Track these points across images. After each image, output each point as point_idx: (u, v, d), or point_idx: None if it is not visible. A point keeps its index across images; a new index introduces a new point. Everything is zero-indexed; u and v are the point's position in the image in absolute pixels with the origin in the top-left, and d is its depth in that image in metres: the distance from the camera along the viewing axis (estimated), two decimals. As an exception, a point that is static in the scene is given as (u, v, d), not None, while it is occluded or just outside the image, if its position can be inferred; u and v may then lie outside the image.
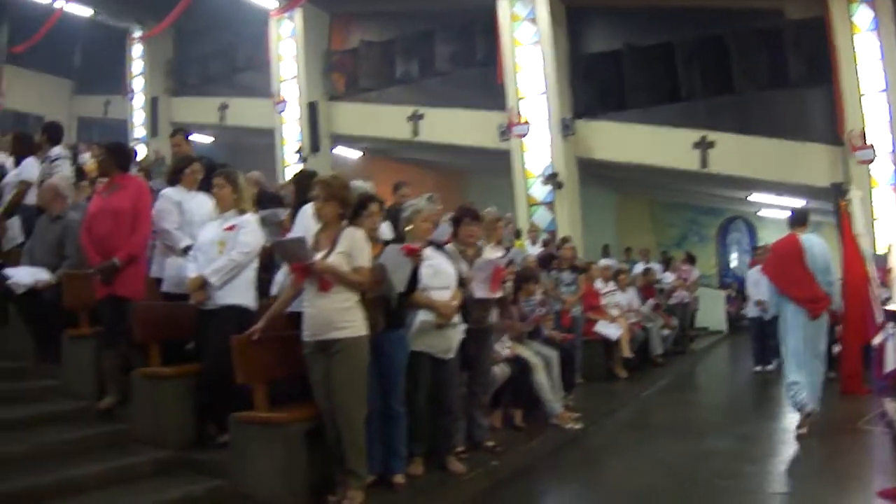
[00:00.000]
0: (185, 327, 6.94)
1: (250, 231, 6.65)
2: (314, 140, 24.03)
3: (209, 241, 6.67)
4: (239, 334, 6.04)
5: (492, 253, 8.09)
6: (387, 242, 6.40)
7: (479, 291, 7.29)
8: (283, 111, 24.81)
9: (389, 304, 6.16)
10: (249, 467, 6.02)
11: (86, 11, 26.49)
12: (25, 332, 8.08)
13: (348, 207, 6.01)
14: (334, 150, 24.89)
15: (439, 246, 6.98)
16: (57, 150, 9.36)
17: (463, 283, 6.95)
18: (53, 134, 9.60)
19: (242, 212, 6.72)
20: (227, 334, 6.11)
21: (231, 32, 26.69)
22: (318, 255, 5.77)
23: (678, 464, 7.83)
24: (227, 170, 7.12)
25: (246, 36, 26.43)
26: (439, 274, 6.68)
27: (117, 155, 7.46)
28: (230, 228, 6.61)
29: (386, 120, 23.10)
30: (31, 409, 7.10)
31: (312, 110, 24.16)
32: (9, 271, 7.92)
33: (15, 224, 8.94)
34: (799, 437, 8.45)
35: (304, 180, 7.45)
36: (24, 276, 7.81)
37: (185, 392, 6.72)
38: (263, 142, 25.25)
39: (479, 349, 7.49)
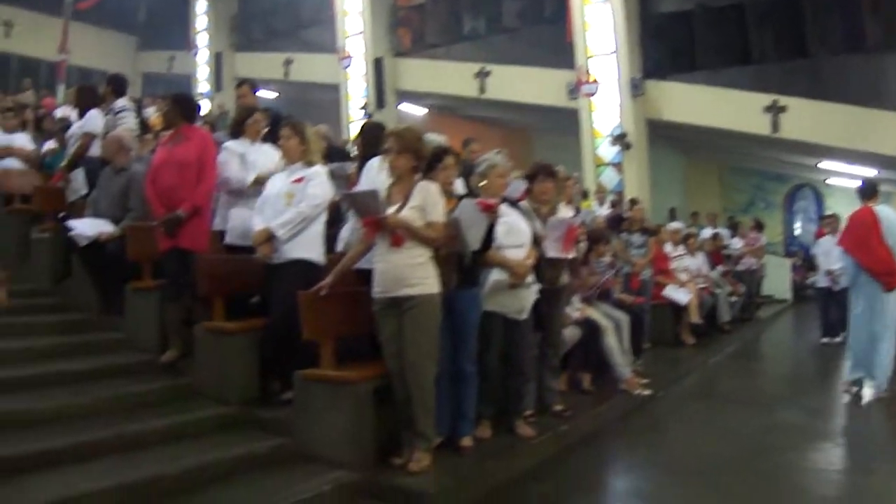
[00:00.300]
0: (250, 281, 6.79)
1: (319, 183, 6.44)
2: (379, 96, 23.79)
3: (276, 193, 6.48)
4: (306, 290, 5.83)
5: (565, 212, 7.80)
6: (461, 197, 6.12)
7: (552, 251, 7.01)
8: (348, 67, 24.58)
9: (463, 261, 5.90)
10: (314, 426, 5.86)
11: None
12: (89, 285, 8.07)
13: (422, 160, 5.74)
14: (400, 107, 24.57)
15: (513, 203, 6.71)
16: (121, 102, 9.20)
17: (537, 241, 6.68)
18: (118, 86, 9.45)
19: (310, 164, 6.50)
20: (293, 289, 5.92)
21: None
22: (391, 209, 5.54)
23: (745, 435, 7.59)
24: (294, 120, 6.91)
25: None
26: (514, 232, 6.42)
27: (182, 106, 7.29)
28: (298, 181, 6.40)
29: (452, 77, 22.74)
30: (94, 362, 7.10)
31: (378, 66, 23.90)
32: (72, 223, 7.86)
33: (79, 176, 8.85)
34: (862, 407, 8.40)
35: (371, 132, 7.20)
36: (87, 228, 7.74)
37: (250, 347, 6.57)
38: (328, 97, 25.04)
39: (550, 310, 7.23)
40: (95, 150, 8.87)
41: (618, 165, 19.81)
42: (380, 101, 23.70)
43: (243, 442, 5.93)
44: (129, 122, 8.91)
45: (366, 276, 5.84)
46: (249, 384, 6.58)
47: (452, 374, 5.98)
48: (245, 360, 6.56)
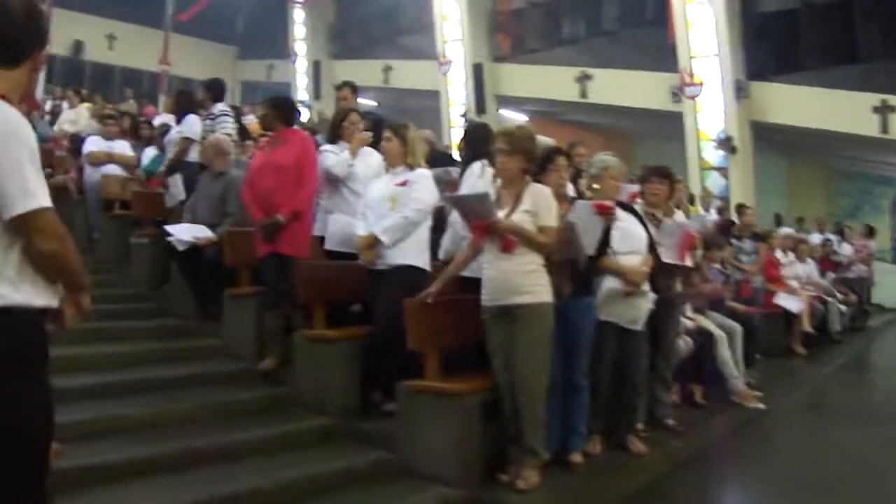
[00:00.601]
0: (351, 288, 6.59)
1: (424, 187, 6.19)
2: (479, 102, 23.57)
3: (380, 197, 6.25)
4: (411, 297, 5.57)
5: (680, 218, 7.43)
6: (573, 200, 5.80)
7: (668, 257, 6.65)
8: (447, 72, 24.44)
9: (576, 268, 5.59)
10: (418, 440, 5.58)
11: None
12: (187, 291, 7.99)
13: (533, 161, 5.43)
14: (500, 113, 24.25)
15: (627, 207, 6.37)
16: (220, 107, 9.11)
17: (652, 247, 6.33)
18: (216, 90, 9.37)
19: (414, 167, 6.26)
20: (398, 297, 5.67)
21: None
22: (501, 213, 5.24)
23: (859, 451, 7.17)
24: (396, 123, 6.68)
25: None
26: (629, 237, 6.08)
27: (281, 109, 7.11)
28: (402, 184, 6.16)
29: (553, 81, 22.42)
30: (191, 369, 7.01)
31: (478, 72, 23.69)
32: (170, 228, 7.76)
33: (177, 181, 8.80)
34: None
35: (476, 134, 6.94)
36: (185, 233, 7.64)
37: (351, 356, 6.34)
38: (428, 104, 24.93)
39: (664, 319, 6.85)
40: (194, 156, 8.81)
41: (723, 170, 19.24)
42: (480, 107, 23.47)
43: (343, 455, 5.72)
44: (227, 127, 8.79)
45: (471, 284, 5.58)
46: (350, 394, 6.34)
47: (563, 386, 5.68)
48: (346, 370, 6.33)
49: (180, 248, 7.57)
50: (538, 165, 5.55)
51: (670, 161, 17.37)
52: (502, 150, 5.32)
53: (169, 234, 7.66)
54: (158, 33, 27.37)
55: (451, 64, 24.32)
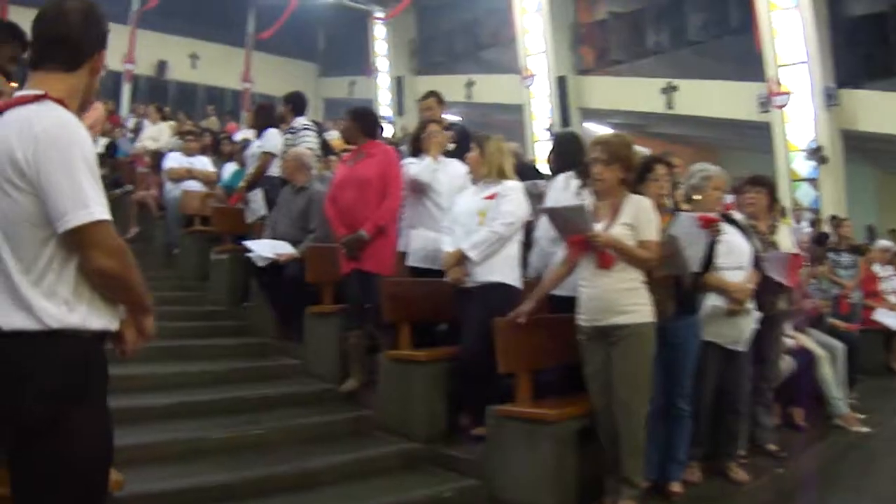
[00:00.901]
0: (438, 307, 6.28)
1: (514, 200, 5.84)
2: (564, 115, 23.16)
3: (467, 211, 5.95)
4: (502, 316, 5.25)
5: (785, 232, 6.97)
6: (674, 212, 5.44)
7: (775, 274, 6.24)
8: (531, 86, 24.08)
9: (680, 285, 5.22)
10: (508, 468, 5.25)
11: None
12: (267, 308, 7.83)
13: (631, 171, 5.07)
14: (584, 126, 23.82)
15: (731, 218, 5.98)
16: (301, 121, 8.90)
17: (757, 262, 5.94)
18: (297, 104, 9.17)
19: (503, 179, 5.94)
20: (487, 316, 5.37)
21: (474, 8, 26.33)
22: (598, 227, 4.90)
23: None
24: (479, 134, 6.40)
25: (490, 11, 25.90)
26: (733, 251, 5.67)
27: (363, 120, 6.91)
28: (491, 197, 5.85)
29: (637, 93, 21.94)
30: (270, 389, 6.83)
31: (561, 85, 23.31)
32: (251, 244, 7.61)
33: (258, 196, 8.62)
34: None
35: (566, 144, 6.64)
36: (266, 249, 7.47)
37: (437, 378, 6.04)
38: (511, 118, 24.60)
39: (767, 339, 6.41)
40: (275, 170, 8.64)
41: (813, 181, 18.56)
42: (564, 121, 23.06)
43: (427, 483, 5.44)
44: (309, 141, 8.58)
45: (564, 304, 5.26)
46: (436, 419, 6.05)
47: (664, 412, 5.29)
48: (432, 392, 6.03)
49: (261, 264, 7.41)
50: (636, 175, 5.20)
51: (759, 173, 17.05)
52: (599, 160, 4.98)
53: (249, 251, 7.52)
54: (240, 52, 28.48)
55: (534, 77, 23.97)
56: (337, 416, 6.39)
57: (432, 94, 7.86)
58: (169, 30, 27.17)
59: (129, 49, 26.25)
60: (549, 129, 23.04)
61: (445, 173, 6.78)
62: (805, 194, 18.43)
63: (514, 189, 5.89)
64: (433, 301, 6.29)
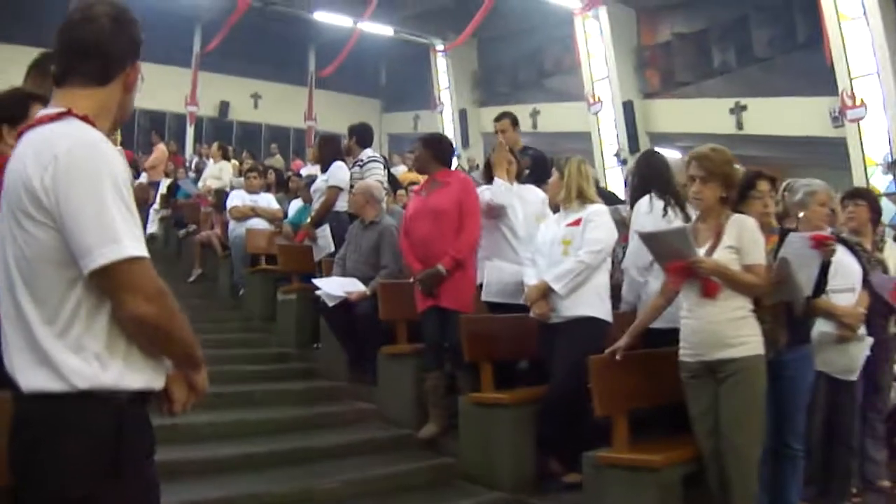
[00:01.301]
0: (522, 344, 5.87)
1: (601, 225, 5.41)
2: (632, 140, 22.60)
3: (550, 239, 5.55)
4: (593, 353, 4.81)
5: (893, 249, 6.44)
6: (783, 232, 4.95)
7: (884, 293, 5.71)
8: (598, 112, 23.67)
9: (791, 312, 4.73)
10: (606, 518, 4.79)
11: (387, 30, 26.92)
12: (338, 350, 7.48)
13: (733, 188, 4.61)
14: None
15: (840, 237, 5.47)
16: (368, 153, 8.60)
17: (867, 282, 5.43)
18: (362, 136, 8.87)
19: (585, 204, 5.52)
20: (577, 354, 4.95)
21: (536, 37, 26.04)
22: (700, 251, 4.45)
23: None
24: (558, 156, 6.00)
25: (552, 39, 25.63)
26: (844, 272, 5.18)
27: (435, 148, 6.54)
28: (575, 223, 5.43)
29: (706, 114, 21.38)
30: (342, 437, 6.50)
31: (628, 110, 22.83)
32: (319, 283, 7.27)
33: (325, 232, 8.23)
34: None
35: (647, 164, 6.17)
36: (335, 287, 7.12)
37: (524, 422, 5.60)
38: (579, 146, 24.04)
39: (878, 365, 5.80)
40: (342, 205, 8.29)
41: (892, 196, 17.75)
42: (632, 146, 22.51)
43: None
44: (377, 174, 8.26)
45: (662, 337, 4.83)
46: (523, 465, 5.62)
47: (774, 452, 4.77)
48: (518, 437, 5.61)
49: (330, 303, 7.04)
50: (738, 193, 4.74)
51: (836, 191, 16.40)
52: (696, 177, 4.53)
53: (318, 289, 7.18)
54: (302, 90, 28.71)
55: (600, 104, 23.54)
56: (415, 465, 6.00)
57: (506, 114, 7.52)
58: (230, 71, 27.47)
59: (191, 91, 26.65)
60: (617, 155, 22.59)
61: (521, 199, 6.39)
62: (886, 210, 17.70)
63: (599, 213, 5.47)
64: (516, 338, 5.89)
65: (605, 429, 4.85)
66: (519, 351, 6.08)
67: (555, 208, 5.78)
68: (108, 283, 1.97)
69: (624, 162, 21.87)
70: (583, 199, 5.55)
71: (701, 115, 21.47)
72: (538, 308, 5.41)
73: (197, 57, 26.60)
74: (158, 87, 25.35)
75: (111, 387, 2.01)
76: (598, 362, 4.72)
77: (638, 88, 23.25)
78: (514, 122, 7.47)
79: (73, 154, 1.97)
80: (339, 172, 8.40)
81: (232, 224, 10.24)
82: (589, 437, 5.05)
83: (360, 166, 8.40)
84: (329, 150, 8.80)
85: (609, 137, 23.26)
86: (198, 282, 11.27)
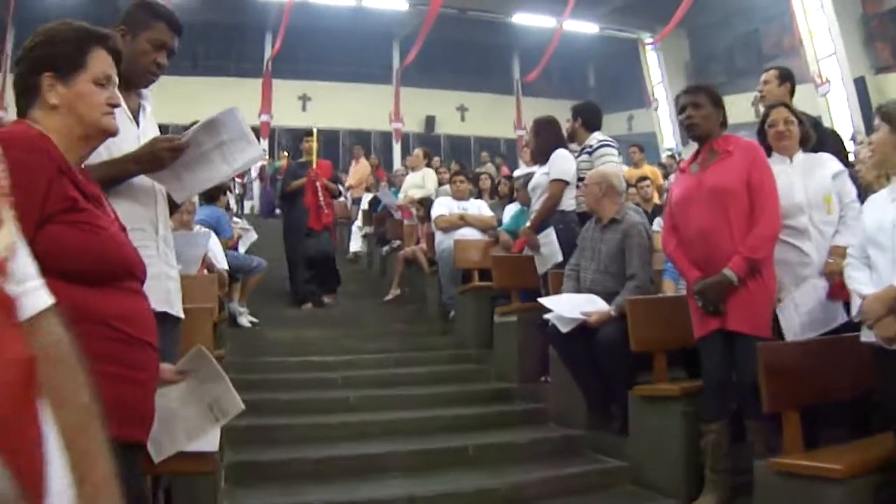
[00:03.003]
0: (838, 381, 4.03)
1: None
2: (867, 120, 20.19)
3: (880, 224, 3.67)
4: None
5: None
6: None
7: None
8: (826, 94, 21.42)
9: None
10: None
11: (592, 27, 26.17)
12: (573, 387, 5.74)
13: None
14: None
15: None
16: (598, 136, 6.82)
17: None
18: (590, 117, 7.07)
19: None
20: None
21: (750, 19, 24.43)
22: None
23: None
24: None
25: (768, 19, 23.91)
26: None
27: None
28: None
29: (947, 86, 18.88)
30: None
31: (860, 87, 20.56)
32: (547, 302, 5.62)
33: (550, 237, 6.48)
34: None
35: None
36: (567, 307, 5.45)
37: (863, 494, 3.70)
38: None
39: None
40: (570, 202, 6.58)
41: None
42: (868, 126, 20.14)
43: None
44: (612, 161, 6.50)
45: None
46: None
47: None
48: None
49: (563, 328, 5.34)
50: None
51: None
52: None
53: (546, 310, 5.53)
54: (508, 99, 28.59)
55: (828, 84, 21.34)
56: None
57: (776, 67, 5.72)
58: (434, 84, 27.36)
59: (394, 107, 26.67)
60: (853, 139, 20.24)
61: (807, 174, 4.55)
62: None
63: None
64: (833, 373, 4.04)
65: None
66: (830, 391, 4.13)
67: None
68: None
69: (860, 144, 19.65)
70: None
71: (942, 86, 18.86)
72: (885, 329, 3.52)
73: (397, 73, 26.60)
74: (361, 106, 25.47)
75: None
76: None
77: (868, 63, 21.05)
78: (785, 76, 5.67)
79: None
80: (564, 163, 6.65)
81: (438, 236, 8.82)
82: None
83: (589, 153, 6.64)
84: (548, 137, 7.01)
85: (842, 119, 20.96)
86: (404, 303, 10.04)
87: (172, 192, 3.07)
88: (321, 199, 9.81)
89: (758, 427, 4.23)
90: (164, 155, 2.85)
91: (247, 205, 22.33)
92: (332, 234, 10.39)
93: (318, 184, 9.78)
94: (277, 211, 15.38)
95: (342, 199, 13.59)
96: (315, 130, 10.57)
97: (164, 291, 2.99)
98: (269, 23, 25.09)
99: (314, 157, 10.06)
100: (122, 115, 3.03)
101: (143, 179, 2.97)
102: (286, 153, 21.83)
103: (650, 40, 26.96)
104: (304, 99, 26.07)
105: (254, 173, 21.65)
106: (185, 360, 2.63)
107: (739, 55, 25.14)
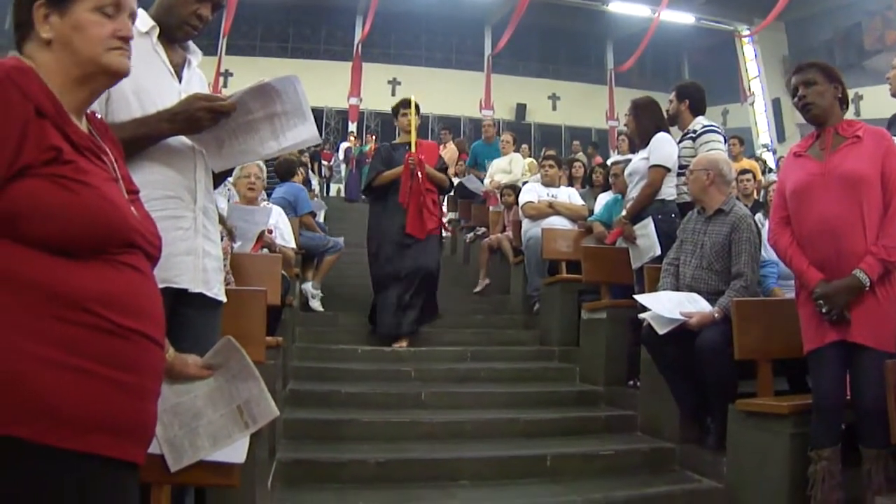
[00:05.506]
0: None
1: None
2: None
3: None
4: None
5: None
6: None
7: None
8: (932, 90, 20.45)
9: None
10: None
11: (688, 18, 25.98)
12: (666, 394, 5.20)
13: None
14: None
15: None
16: (702, 121, 6.20)
17: None
18: (695, 99, 6.38)
19: None
20: None
21: (850, 13, 24.06)
22: None
23: None
24: None
25: (869, 13, 23.55)
26: None
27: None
28: None
29: None
30: None
31: (971, 83, 19.46)
32: (642, 299, 5.10)
33: (648, 228, 5.96)
34: None
35: None
36: (666, 306, 4.89)
37: None
38: (914, 132, 21.33)
39: None
40: (670, 191, 6.06)
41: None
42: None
43: None
44: (717, 147, 5.93)
45: None
46: None
47: None
48: None
49: (660, 329, 4.81)
50: None
51: None
52: None
53: (641, 308, 5.02)
54: (600, 88, 28.66)
55: (937, 78, 20.21)
56: None
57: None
58: (525, 72, 27.52)
59: (485, 94, 26.76)
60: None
61: None
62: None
63: None
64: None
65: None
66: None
67: None
68: None
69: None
70: None
71: None
72: None
73: (489, 59, 26.70)
74: (451, 92, 25.24)
75: None
76: None
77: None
78: None
79: None
80: (665, 147, 6.11)
81: (525, 224, 8.39)
82: None
83: (693, 139, 6.06)
84: (648, 119, 6.41)
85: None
86: (486, 294, 9.63)
87: (209, 159, 2.67)
88: (423, 195, 7.35)
89: (876, 456, 3.67)
90: (201, 115, 2.47)
91: (332, 188, 22.25)
92: (439, 243, 7.87)
93: (419, 174, 7.30)
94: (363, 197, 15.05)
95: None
96: (413, 99, 7.51)
97: (199, 270, 2.62)
98: (359, 5, 25.04)
99: (413, 136, 7.41)
100: (161, 68, 2.67)
101: (181, 141, 2.59)
102: (373, 137, 21.60)
103: (747, 33, 26.55)
104: (394, 83, 26.03)
105: (341, 155, 21.50)
106: (213, 352, 2.22)
107: (839, 51, 24.61)
